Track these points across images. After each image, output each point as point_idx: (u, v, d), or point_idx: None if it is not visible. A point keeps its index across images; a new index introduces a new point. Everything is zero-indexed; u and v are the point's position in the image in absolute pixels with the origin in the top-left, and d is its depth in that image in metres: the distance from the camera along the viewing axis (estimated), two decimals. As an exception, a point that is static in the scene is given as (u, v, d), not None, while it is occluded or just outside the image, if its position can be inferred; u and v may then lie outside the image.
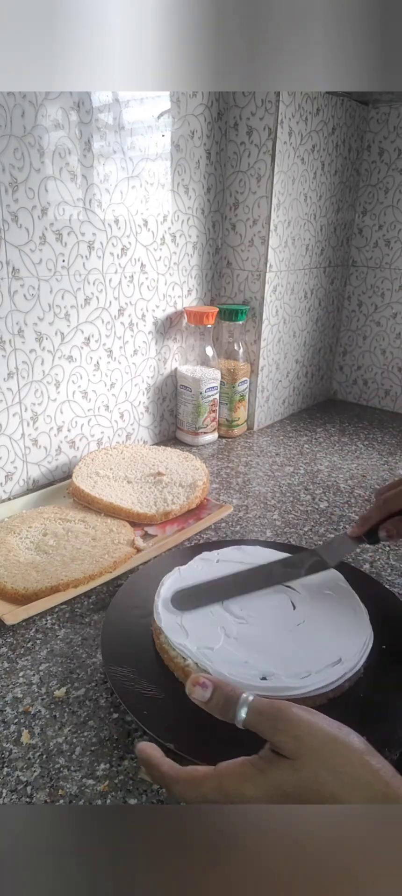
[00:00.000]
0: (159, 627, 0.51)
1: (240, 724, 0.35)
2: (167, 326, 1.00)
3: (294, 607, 0.54)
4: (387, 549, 0.72)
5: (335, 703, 0.46)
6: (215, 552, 0.64)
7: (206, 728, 0.39)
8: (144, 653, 0.51)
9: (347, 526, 0.78)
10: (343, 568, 0.60)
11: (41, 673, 0.51)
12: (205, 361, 1.03)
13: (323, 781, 0.31)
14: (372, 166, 1.18)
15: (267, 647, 0.49)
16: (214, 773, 0.34)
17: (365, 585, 0.59)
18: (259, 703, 0.35)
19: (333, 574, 0.58)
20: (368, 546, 0.71)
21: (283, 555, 0.62)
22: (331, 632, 0.51)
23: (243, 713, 0.35)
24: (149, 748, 0.36)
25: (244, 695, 0.36)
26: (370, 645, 0.49)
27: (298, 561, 0.60)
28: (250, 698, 0.35)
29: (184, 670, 0.47)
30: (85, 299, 0.84)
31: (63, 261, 0.80)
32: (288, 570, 0.59)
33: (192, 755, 0.40)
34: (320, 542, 0.74)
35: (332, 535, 0.76)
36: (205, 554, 0.63)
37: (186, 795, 0.34)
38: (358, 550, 0.71)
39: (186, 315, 1.02)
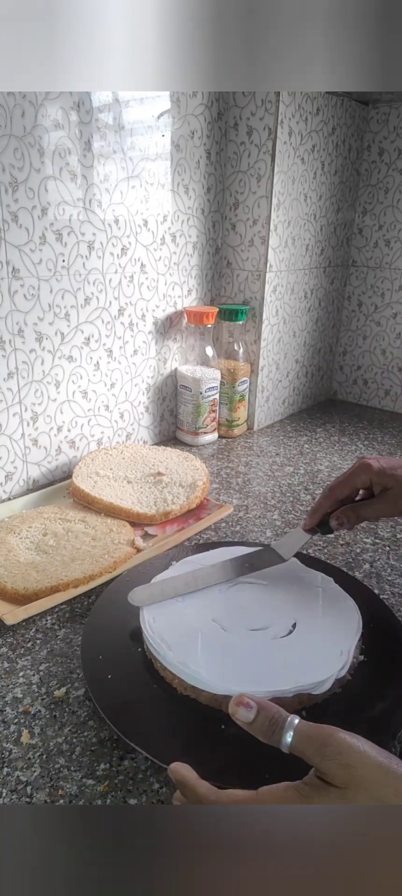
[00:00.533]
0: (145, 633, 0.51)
1: (285, 749, 0.34)
2: (167, 326, 1.00)
3: (292, 630, 0.52)
4: (387, 548, 0.72)
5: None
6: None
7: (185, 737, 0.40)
8: (124, 657, 0.51)
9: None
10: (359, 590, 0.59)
11: (41, 673, 0.51)
12: (205, 361, 1.03)
13: None
14: (372, 166, 1.18)
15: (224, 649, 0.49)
16: (255, 798, 0.32)
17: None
18: (306, 726, 0.34)
19: (353, 613, 0.54)
20: (374, 546, 0.71)
21: (242, 550, 0.63)
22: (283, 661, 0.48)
23: (288, 737, 0.34)
24: (183, 769, 0.35)
25: (290, 718, 0.35)
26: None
27: (254, 557, 0.61)
28: (296, 721, 0.34)
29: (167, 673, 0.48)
30: (85, 299, 0.84)
31: (63, 261, 0.80)
32: (245, 566, 0.60)
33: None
34: (320, 542, 0.74)
35: (332, 535, 0.75)
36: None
37: None
38: (358, 551, 0.71)
39: (186, 315, 1.02)
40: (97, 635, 0.53)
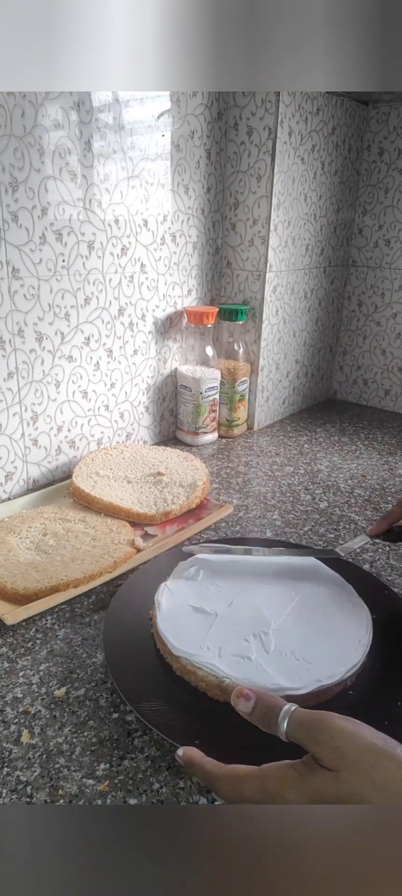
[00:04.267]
0: (157, 625, 0.53)
1: (283, 737, 0.35)
2: (167, 326, 1.00)
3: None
4: (387, 548, 0.72)
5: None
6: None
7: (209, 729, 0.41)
8: (145, 651, 0.52)
9: (347, 526, 0.78)
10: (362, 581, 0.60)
11: (41, 673, 0.51)
12: (205, 361, 1.03)
13: (365, 795, 0.30)
14: (372, 166, 1.18)
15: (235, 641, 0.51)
16: (257, 773, 0.34)
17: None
18: (300, 713, 0.35)
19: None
20: (374, 546, 0.73)
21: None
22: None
23: (284, 725, 0.35)
24: (190, 751, 0.38)
25: (286, 706, 0.35)
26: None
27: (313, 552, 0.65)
28: (292, 709, 0.35)
29: (182, 666, 0.49)
30: (85, 299, 0.84)
31: (63, 261, 0.80)
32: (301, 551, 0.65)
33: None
34: (321, 543, 0.74)
35: (332, 535, 0.76)
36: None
37: (228, 793, 0.34)
38: (358, 551, 0.71)
39: (186, 315, 1.02)
40: (121, 613, 0.56)
